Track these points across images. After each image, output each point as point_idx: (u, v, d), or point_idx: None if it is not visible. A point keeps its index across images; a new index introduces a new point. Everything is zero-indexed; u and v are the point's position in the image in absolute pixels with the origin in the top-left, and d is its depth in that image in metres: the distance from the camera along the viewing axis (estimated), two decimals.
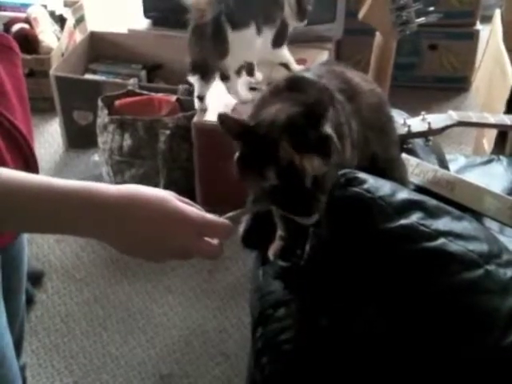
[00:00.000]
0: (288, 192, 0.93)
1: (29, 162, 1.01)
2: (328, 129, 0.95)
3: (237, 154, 0.98)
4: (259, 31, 2.12)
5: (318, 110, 0.94)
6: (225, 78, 2.21)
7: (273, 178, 0.92)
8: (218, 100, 2.28)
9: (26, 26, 3.07)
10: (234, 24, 2.05)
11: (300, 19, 2.21)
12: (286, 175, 0.92)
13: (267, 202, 0.98)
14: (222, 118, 0.94)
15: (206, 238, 0.86)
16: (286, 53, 2.27)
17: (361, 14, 1.79)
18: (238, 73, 2.20)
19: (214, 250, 0.86)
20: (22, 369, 1.36)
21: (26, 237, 1.24)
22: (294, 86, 1.07)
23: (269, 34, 2.16)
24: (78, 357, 1.97)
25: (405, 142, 1.55)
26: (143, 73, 2.89)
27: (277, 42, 2.20)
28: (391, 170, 1.19)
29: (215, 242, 0.87)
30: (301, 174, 0.92)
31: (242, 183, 0.99)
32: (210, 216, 0.86)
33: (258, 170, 0.93)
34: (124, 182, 2.36)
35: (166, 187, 2.29)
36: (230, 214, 0.92)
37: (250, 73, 2.29)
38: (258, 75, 2.34)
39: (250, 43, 2.13)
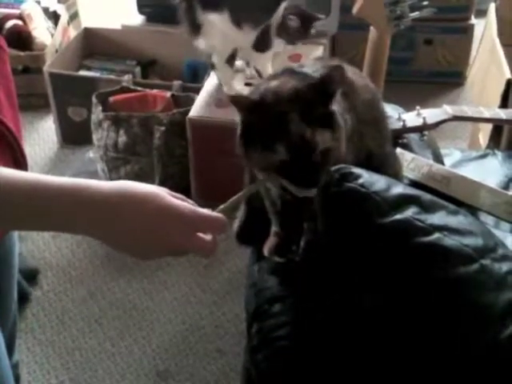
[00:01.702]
0: (297, 166, 0.94)
1: (18, 160, 1.01)
2: (334, 106, 0.96)
3: (239, 130, 0.98)
4: (236, 23, 2.09)
5: (330, 86, 0.95)
6: (213, 66, 2.21)
7: (283, 153, 0.93)
8: (210, 95, 2.30)
9: (19, 22, 3.05)
10: (204, 4, 2.05)
11: (279, 35, 2.15)
12: (297, 150, 0.92)
13: (274, 174, 0.98)
14: (232, 97, 0.97)
15: (200, 234, 0.86)
16: (264, 61, 2.22)
17: (355, 9, 1.79)
18: (229, 62, 2.21)
19: (208, 246, 0.86)
20: (15, 366, 1.36)
21: (17, 234, 1.24)
22: (293, 73, 1.07)
23: (251, 32, 2.13)
24: (73, 354, 1.97)
25: (400, 136, 1.55)
26: (138, 69, 2.88)
27: (257, 46, 2.16)
28: (385, 166, 1.19)
29: (209, 237, 0.86)
30: (311, 148, 0.93)
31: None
32: (203, 211, 0.86)
33: (268, 145, 0.94)
34: (119, 178, 2.36)
35: (161, 183, 2.29)
36: (222, 206, 0.92)
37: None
38: (239, 63, 2.32)
39: (221, 31, 2.12)
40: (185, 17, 2.12)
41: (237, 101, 0.98)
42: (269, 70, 2.26)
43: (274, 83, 1.02)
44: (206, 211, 0.86)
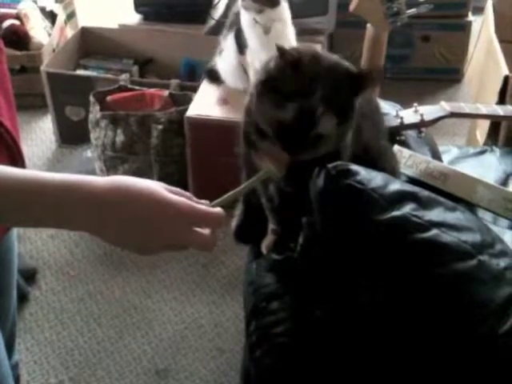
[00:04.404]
0: (293, 131, 1.00)
1: (15, 157, 1.00)
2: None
3: (264, 78, 1.02)
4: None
5: (366, 83, 1.01)
6: None
7: (290, 112, 0.98)
8: (208, 94, 2.31)
9: (16, 22, 3.05)
10: None
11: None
12: (301, 117, 0.99)
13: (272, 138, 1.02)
14: (280, 49, 1.00)
15: (199, 229, 0.85)
16: (248, 62, 2.23)
17: (352, 6, 1.79)
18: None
19: (206, 241, 0.85)
20: (15, 367, 1.35)
21: (15, 234, 1.23)
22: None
23: (230, 39, 2.20)
24: (72, 353, 1.97)
25: (397, 133, 1.55)
26: (135, 68, 2.88)
27: (240, 50, 2.20)
28: (382, 160, 1.20)
29: (207, 231, 0.86)
30: (311, 124, 1.00)
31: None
32: (199, 206, 0.85)
33: (282, 102, 0.98)
34: None
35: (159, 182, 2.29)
36: (219, 199, 0.91)
37: None
38: None
39: None
40: None
41: (283, 53, 1.00)
42: None
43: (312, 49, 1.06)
44: (203, 206, 0.85)
